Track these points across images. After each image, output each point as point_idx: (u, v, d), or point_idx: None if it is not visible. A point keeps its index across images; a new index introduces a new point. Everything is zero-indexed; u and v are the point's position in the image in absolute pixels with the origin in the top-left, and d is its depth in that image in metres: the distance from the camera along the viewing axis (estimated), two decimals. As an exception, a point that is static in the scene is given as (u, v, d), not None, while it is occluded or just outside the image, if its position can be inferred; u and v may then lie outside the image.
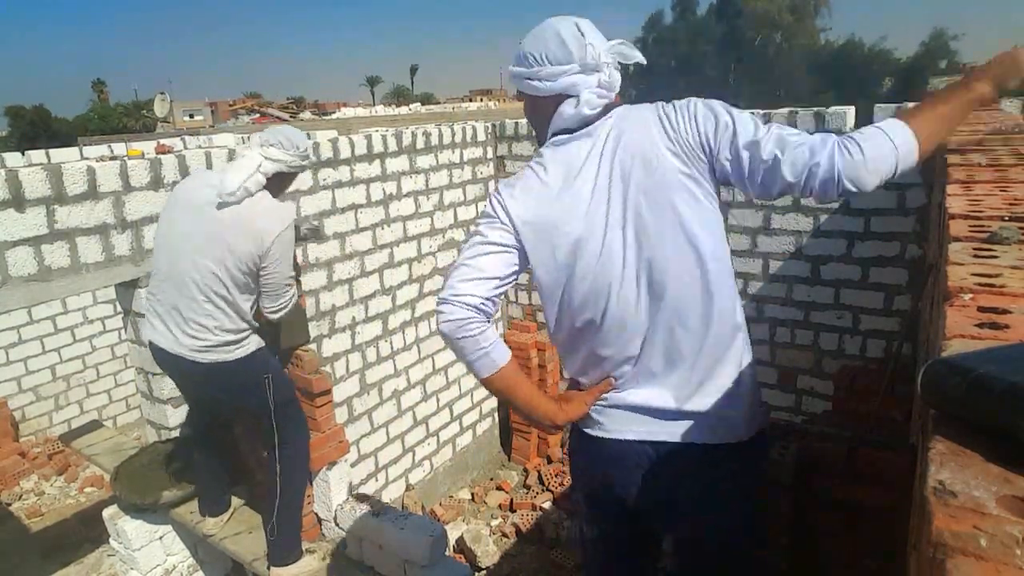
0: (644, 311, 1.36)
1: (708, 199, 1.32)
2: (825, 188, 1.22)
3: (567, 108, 1.39)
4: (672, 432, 1.40)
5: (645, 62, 1.48)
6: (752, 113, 1.38)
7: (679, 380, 1.39)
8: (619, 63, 1.40)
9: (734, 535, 1.47)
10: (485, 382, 1.41)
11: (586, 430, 1.51)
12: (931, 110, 1.26)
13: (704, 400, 1.39)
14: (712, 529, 1.46)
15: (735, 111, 1.33)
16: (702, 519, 1.46)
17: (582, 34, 1.36)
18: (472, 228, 1.50)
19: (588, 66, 1.36)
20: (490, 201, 1.43)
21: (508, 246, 1.38)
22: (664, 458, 1.42)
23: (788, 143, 1.25)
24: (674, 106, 1.36)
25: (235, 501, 2.93)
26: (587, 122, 1.39)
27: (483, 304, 1.37)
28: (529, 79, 1.42)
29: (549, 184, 1.38)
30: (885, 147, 1.19)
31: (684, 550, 1.56)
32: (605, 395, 1.46)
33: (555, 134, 1.43)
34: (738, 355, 1.43)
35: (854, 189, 1.21)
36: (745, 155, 1.28)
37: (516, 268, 1.40)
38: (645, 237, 1.31)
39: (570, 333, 1.45)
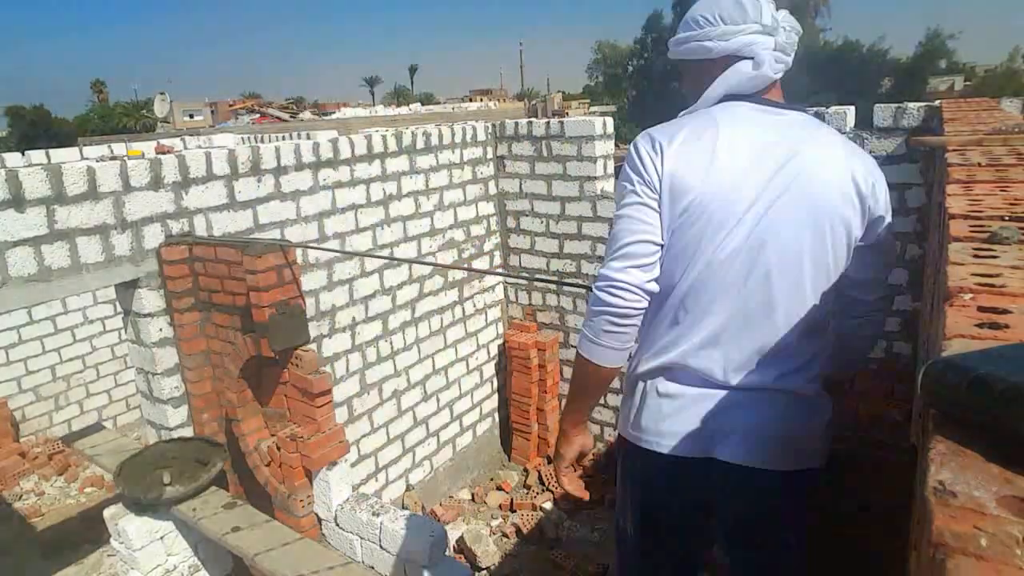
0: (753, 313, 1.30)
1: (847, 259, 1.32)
2: None
3: (744, 67, 1.32)
4: (749, 453, 1.33)
5: (800, 34, 1.41)
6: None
7: (761, 397, 1.34)
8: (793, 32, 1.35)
9: (792, 558, 1.44)
10: (593, 369, 1.34)
11: (649, 446, 1.42)
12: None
13: (786, 424, 1.34)
14: (773, 553, 1.43)
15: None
16: (767, 541, 1.42)
17: None
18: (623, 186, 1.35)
19: (766, 27, 1.31)
20: (639, 152, 1.32)
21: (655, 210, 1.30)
22: (738, 479, 1.35)
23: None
24: (880, 178, 1.34)
25: (236, 500, 2.94)
26: (763, 89, 1.33)
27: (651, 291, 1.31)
28: (699, 40, 1.35)
29: (720, 151, 1.27)
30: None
31: (738, 566, 1.52)
32: (674, 403, 1.39)
33: (726, 98, 1.34)
34: (819, 379, 1.39)
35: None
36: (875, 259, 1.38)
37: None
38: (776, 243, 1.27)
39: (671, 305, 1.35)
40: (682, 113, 1.40)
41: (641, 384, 1.43)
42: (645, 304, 1.29)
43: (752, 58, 1.31)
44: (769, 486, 1.34)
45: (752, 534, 1.44)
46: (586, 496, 1.51)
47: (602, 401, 5.11)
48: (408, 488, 4.67)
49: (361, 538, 2.97)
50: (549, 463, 5.17)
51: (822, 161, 1.28)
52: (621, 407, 1.53)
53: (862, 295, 1.41)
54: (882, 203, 1.33)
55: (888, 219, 1.34)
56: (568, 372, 5.18)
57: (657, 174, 1.28)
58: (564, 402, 1.49)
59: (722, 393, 1.34)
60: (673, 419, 1.37)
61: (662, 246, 1.30)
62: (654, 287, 1.29)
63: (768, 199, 1.25)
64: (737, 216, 1.26)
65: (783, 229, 1.25)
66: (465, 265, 4.88)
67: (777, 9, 1.36)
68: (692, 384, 1.36)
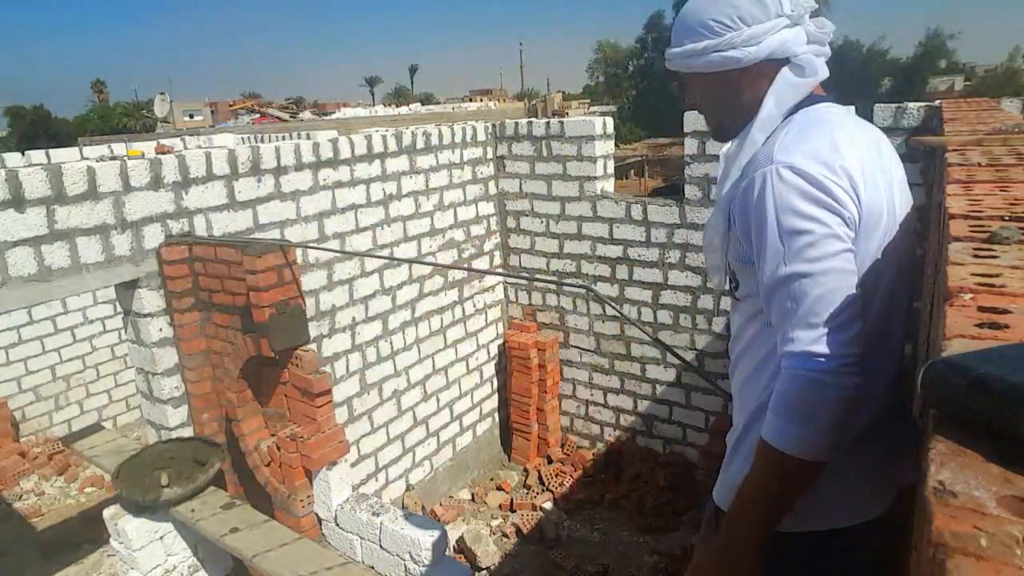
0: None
1: None
2: None
3: (790, 75, 1.14)
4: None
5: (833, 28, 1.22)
6: None
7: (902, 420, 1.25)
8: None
9: None
10: (814, 470, 1.05)
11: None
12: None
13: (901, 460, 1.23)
14: None
15: None
16: None
17: None
18: (805, 228, 1.04)
19: (791, 17, 1.13)
20: (821, 182, 1.04)
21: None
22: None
23: None
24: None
25: (235, 500, 2.94)
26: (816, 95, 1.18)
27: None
28: (720, 50, 1.15)
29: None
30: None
31: None
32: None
33: (793, 111, 1.15)
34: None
35: None
36: None
37: None
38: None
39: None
40: (783, 127, 1.15)
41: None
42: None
43: (788, 59, 1.15)
44: None
45: None
46: None
47: (601, 400, 5.12)
48: (408, 488, 4.67)
49: (361, 538, 2.97)
50: (550, 463, 5.17)
51: (899, 165, 1.21)
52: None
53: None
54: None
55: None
56: (568, 372, 5.19)
57: (856, 207, 1.05)
58: (744, 507, 1.12)
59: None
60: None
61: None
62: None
63: (896, 215, 1.15)
64: (899, 234, 1.14)
65: (904, 244, 1.16)
66: (465, 265, 4.88)
67: None
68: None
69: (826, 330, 1.01)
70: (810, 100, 1.17)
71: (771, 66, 1.16)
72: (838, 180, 1.03)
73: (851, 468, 1.15)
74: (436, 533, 2.74)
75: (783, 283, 1.05)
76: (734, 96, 1.20)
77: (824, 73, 1.17)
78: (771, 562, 1.12)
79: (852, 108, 3.58)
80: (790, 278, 1.04)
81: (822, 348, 1.00)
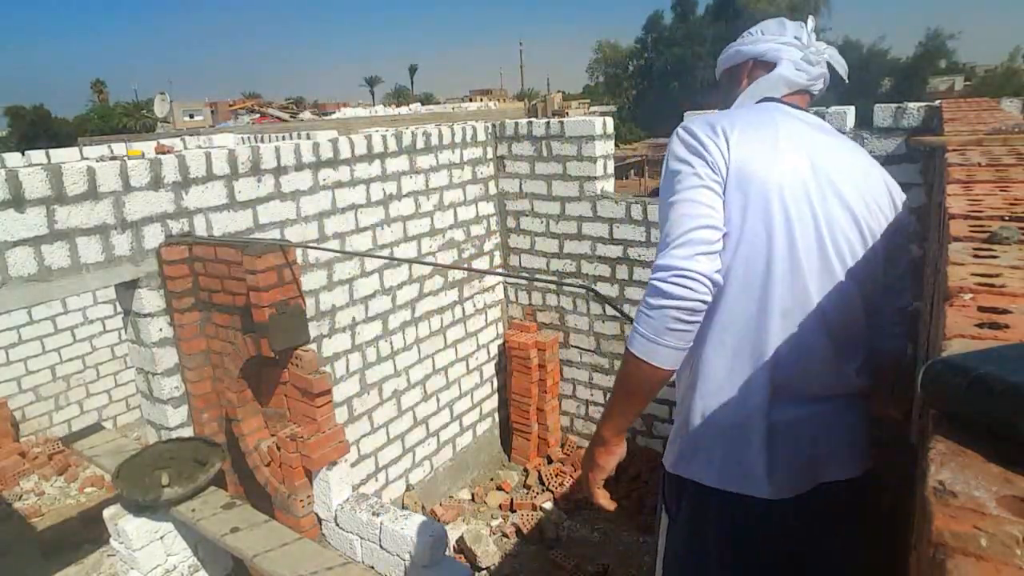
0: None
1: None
2: None
3: (765, 75, 1.43)
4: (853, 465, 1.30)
5: (846, 72, 1.50)
6: None
7: (850, 402, 1.32)
8: (828, 63, 1.44)
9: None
10: (650, 372, 1.19)
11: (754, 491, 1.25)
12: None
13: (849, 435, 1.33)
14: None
15: None
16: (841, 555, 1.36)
17: (803, 25, 1.46)
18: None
19: (799, 42, 1.42)
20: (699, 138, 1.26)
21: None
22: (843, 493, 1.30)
23: None
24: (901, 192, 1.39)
25: (235, 500, 2.94)
26: (793, 95, 1.41)
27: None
28: (736, 47, 1.49)
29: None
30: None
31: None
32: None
33: (762, 100, 1.42)
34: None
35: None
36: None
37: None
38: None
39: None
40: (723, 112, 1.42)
41: (738, 417, 1.24)
42: (711, 298, 1.17)
43: (775, 64, 1.41)
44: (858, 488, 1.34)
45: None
46: (614, 507, 1.40)
47: (601, 400, 5.11)
48: (408, 488, 4.67)
49: (361, 538, 2.97)
50: (550, 463, 5.17)
51: (866, 172, 1.31)
52: (696, 450, 1.31)
53: (890, 301, 1.40)
54: (910, 221, 1.40)
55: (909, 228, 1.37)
56: (568, 372, 5.19)
57: (723, 157, 1.21)
58: (606, 410, 1.32)
59: (821, 407, 1.27)
60: (787, 451, 1.24)
61: (726, 235, 1.21)
62: (720, 279, 1.18)
63: (824, 197, 1.24)
64: (807, 212, 1.22)
65: (836, 229, 1.24)
66: (465, 265, 4.88)
67: (796, 22, 1.49)
68: (799, 404, 1.25)
69: (672, 245, 1.17)
70: (779, 100, 1.41)
71: (761, 68, 1.44)
72: (711, 135, 1.24)
73: (745, 439, 1.24)
74: (436, 533, 2.74)
75: (660, 211, 1.27)
76: (733, 87, 1.49)
77: (796, 79, 1.40)
78: (671, 500, 1.37)
79: (855, 114, 3.56)
80: (662, 207, 1.26)
81: (666, 260, 1.16)
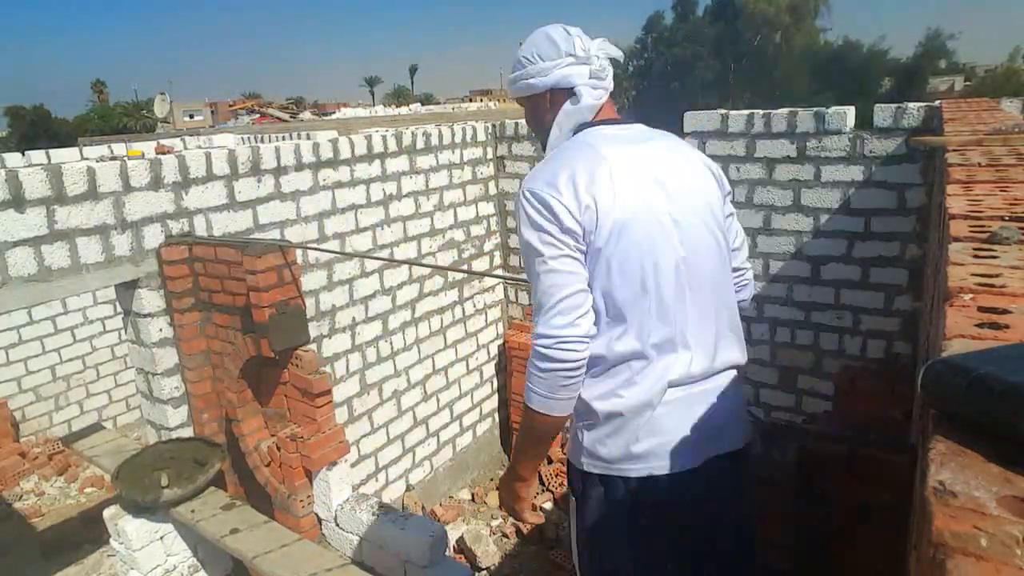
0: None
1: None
2: None
3: (568, 105, 1.45)
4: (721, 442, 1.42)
5: (622, 57, 1.55)
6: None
7: (727, 382, 1.43)
8: (608, 57, 1.49)
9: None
10: (552, 421, 1.35)
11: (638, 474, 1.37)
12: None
13: (740, 400, 1.49)
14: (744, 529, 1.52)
15: None
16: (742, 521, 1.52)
17: (568, 33, 1.47)
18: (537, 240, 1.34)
19: (579, 57, 1.44)
20: (544, 201, 1.31)
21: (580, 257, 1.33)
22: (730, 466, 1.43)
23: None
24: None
25: (235, 500, 2.94)
26: (598, 112, 1.46)
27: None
28: (525, 79, 1.48)
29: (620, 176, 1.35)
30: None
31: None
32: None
33: (578, 129, 1.46)
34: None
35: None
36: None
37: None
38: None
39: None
40: (550, 153, 1.47)
41: (632, 408, 1.37)
42: (588, 352, 1.31)
43: (572, 90, 1.44)
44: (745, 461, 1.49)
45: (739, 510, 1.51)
46: (542, 518, 1.61)
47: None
48: (408, 488, 4.67)
49: (361, 538, 2.97)
50: (550, 463, 5.17)
51: (688, 161, 1.45)
52: (594, 442, 1.42)
53: (738, 263, 1.57)
54: (726, 182, 1.52)
55: (730, 195, 1.54)
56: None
57: (572, 216, 1.29)
58: (518, 452, 1.49)
59: (701, 387, 1.40)
60: (674, 431, 1.37)
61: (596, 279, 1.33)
62: (594, 331, 1.32)
63: (675, 208, 1.35)
64: (664, 229, 1.34)
65: (692, 228, 1.37)
66: (465, 265, 4.88)
67: (592, 39, 1.49)
68: (685, 386, 1.38)
69: (547, 315, 1.29)
70: (592, 123, 1.46)
71: (561, 94, 1.46)
72: (556, 196, 1.30)
73: (637, 423, 1.36)
74: (436, 533, 2.74)
75: (528, 271, 1.36)
76: (540, 117, 1.51)
77: (598, 101, 1.45)
78: (576, 483, 1.48)
79: (855, 114, 3.56)
80: (530, 270, 1.35)
81: (546, 329, 1.28)
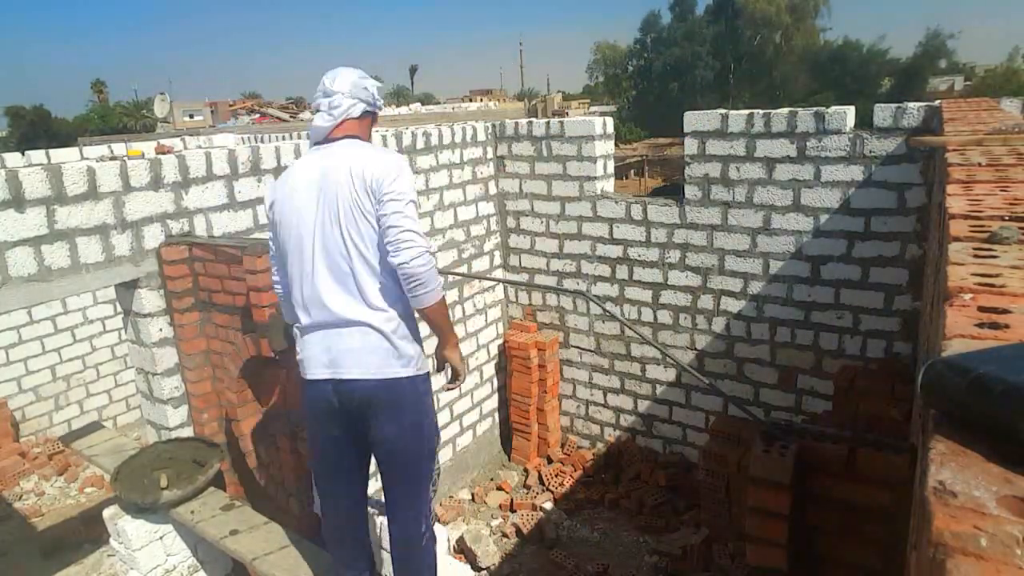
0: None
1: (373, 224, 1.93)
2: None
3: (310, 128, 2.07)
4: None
5: (380, 108, 2.19)
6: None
7: (355, 330, 2.03)
8: (361, 99, 2.04)
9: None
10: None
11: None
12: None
13: (365, 344, 2.08)
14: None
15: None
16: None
17: (329, 74, 2.05)
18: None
19: (326, 91, 2.02)
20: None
21: None
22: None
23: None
24: (386, 171, 1.96)
25: (234, 501, 2.94)
26: (328, 138, 2.01)
27: None
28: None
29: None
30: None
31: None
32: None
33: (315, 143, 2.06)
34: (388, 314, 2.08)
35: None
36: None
37: None
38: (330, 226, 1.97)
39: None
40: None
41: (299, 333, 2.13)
42: None
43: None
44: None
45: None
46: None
47: (601, 400, 5.12)
48: (408, 488, 4.66)
49: (361, 538, 2.96)
50: (550, 463, 5.17)
51: (337, 169, 1.93)
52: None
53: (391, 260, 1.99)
54: (385, 188, 1.89)
55: (393, 198, 1.90)
56: (568, 372, 5.20)
57: (270, 213, 2.10)
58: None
59: (333, 328, 2.00)
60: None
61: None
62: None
63: (318, 207, 1.95)
64: (309, 224, 1.97)
65: (328, 222, 1.94)
66: (465, 265, 4.88)
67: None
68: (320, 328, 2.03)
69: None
70: (322, 143, 2.04)
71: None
72: (266, 200, 2.14)
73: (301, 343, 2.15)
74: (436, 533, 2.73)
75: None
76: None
77: (325, 126, 2.03)
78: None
79: (855, 114, 3.55)
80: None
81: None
